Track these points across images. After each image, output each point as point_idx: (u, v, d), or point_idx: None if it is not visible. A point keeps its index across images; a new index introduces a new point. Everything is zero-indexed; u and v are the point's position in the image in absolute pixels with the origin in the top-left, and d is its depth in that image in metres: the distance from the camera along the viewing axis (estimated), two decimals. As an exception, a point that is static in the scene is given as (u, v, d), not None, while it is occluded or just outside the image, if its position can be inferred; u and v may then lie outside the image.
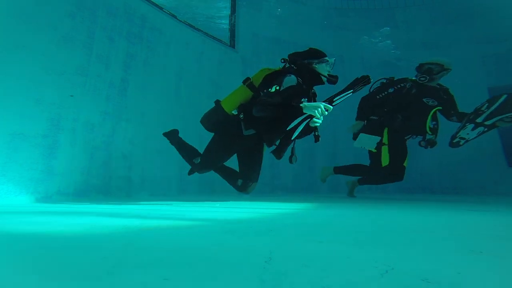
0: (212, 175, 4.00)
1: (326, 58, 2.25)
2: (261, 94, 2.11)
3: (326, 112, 1.88)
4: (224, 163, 2.55)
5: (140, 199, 2.68)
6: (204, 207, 1.89)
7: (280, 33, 5.46)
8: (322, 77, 2.22)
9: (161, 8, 3.65)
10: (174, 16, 3.80)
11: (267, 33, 5.30)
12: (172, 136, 2.74)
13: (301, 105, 1.91)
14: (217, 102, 2.35)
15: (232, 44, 4.76)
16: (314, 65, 2.22)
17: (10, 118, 2.20)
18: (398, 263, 0.57)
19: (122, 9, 3.14)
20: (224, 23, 5.00)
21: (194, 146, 2.68)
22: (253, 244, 0.75)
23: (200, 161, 2.45)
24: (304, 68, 2.22)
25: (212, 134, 2.48)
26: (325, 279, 0.47)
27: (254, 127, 2.22)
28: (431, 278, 0.48)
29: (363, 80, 2.04)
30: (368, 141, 3.19)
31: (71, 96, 2.61)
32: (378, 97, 3.27)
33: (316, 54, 2.25)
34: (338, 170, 3.57)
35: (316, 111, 1.87)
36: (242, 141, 2.30)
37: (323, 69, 2.23)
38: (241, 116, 2.19)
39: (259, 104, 2.02)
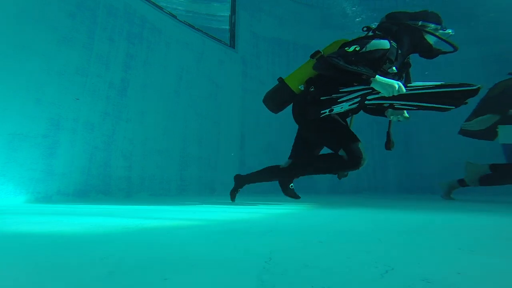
0: (212, 175, 4.02)
1: (445, 26, 1.92)
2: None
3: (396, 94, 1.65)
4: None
5: (140, 199, 2.68)
6: (205, 207, 1.90)
7: (280, 33, 5.46)
8: (436, 48, 1.90)
9: (161, 8, 3.65)
10: (174, 16, 3.81)
11: (267, 33, 5.30)
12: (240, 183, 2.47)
13: (372, 78, 1.68)
14: (281, 80, 2.16)
15: (232, 44, 4.76)
16: (426, 31, 1.90)
17: (10, 118, 2.20)
18: (398, 263, 0.57)
19: (122, 9, 3.15)
20: (224, 23, 5.00)
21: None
22: (253, 244, 0.75)
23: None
24: (411, 32, 1.90)
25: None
26: (325, 279, 0.47)
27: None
28: (431, 278, 0.48)
29: (469, 93, 1.67)
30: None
31: (77, 99, 2.62)
32: None
33: (436, 19, 1.92)
34: (495, 168, 3.05)
35: (387, 90, 1.64)
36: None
37: (432, 39, 1.93)
38: (311, 89, 1.98)
39: (323, 60, 1.78)
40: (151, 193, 3.18)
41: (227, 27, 4.95)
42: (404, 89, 1.69)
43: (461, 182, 3.13)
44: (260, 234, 0.90)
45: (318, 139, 2.18)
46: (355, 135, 1.96)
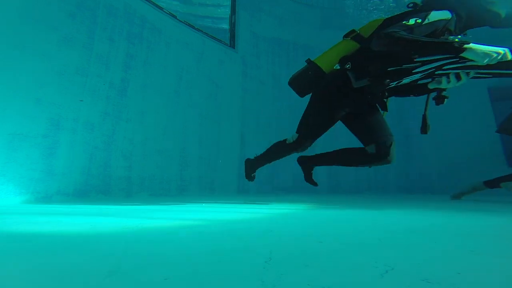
0: (212, 175, 4.02)
1: None
2: (383, 33, 1.72)
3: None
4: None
5: (140, 199, 2.68)
6: (204, 207, 1.89)
7: (280, 33, 5.46)
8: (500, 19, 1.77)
9: (161, 8, 3.65)
10: (174, 16, 3.81)
11: (267, 33, 5.30)
12: (251, 167, 2.46)
13: (466, 45, 1.54)
14: (310, 61, 2.06)
15: (232, 44, 4.76)
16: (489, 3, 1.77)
17: (10, 118, 2.20)
18: (398, 263, 0.57)
19: (122, 9, 3.15)
20: (224, 23, 5.00)
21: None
22: (253, 244, 0.75)
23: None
24: (472, 3, 1.77)
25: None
26: (325, 279, 0.47)
27: (366, 75, 1.83)
28: (431, 278, 0.48)
29: None
30: None
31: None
32: None
33: None
34: None
35: (483, 58, 1.50)
36: (348, 99, 1.95)
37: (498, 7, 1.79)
38: (348, 66, 1.87)
39: (386, 35, 1.66)
40: (151, 193, 3.18)
41: (227, 26, 4.95)
42: (510, 55, 1.53)
43: (490, 184, 3.10)
44: (260, 234, 0.90)
45: (308, 112, 2.13)
46: (320, 131, 2.03)
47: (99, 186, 2.75)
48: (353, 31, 2.01)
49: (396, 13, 1.91)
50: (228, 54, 4.57)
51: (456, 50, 1.59)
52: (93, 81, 2.78)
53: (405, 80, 1.84)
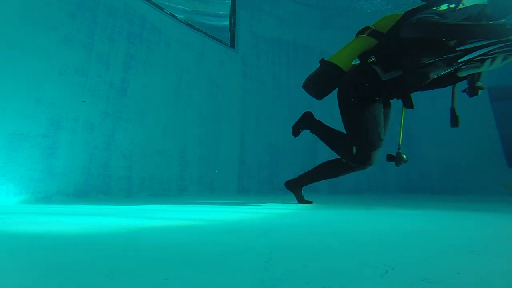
0: (212, 175, 4.02)
1: None
2: (410, 22, 1.62)
3: None
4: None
5: (140, 199, 2.68)
6: (205, 207, 1.89)
7: (280, 33, 5.46)
8: None
9: (161, 8, 3.65)
10: (174, 16, 3.81)
11: (267, 33, 5.30)
12: (308, 122, 2.29)
13: None
14: (324, 62, 1.97)
15: (232, 44, 4.76)
16: None
17: (10, 118, 2.20)
18: (398, 263, 0.57)
19: (122, 9, 3.15)
20: (224, 23, 5.00)
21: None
22: (253, 244, 0.75)
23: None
24: None
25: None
26: (325, 279, 0.47)
27: (397, 66, 1.71)
28: (431, 278, 0.48)
29: None
30: None
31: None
32: None
33: None
34: None
35: None
36: (381, 92, 1.82)
37: None
38: (371, 59, 1.78)
39: (420, 21, 1.56)
40: (151, 193, 3.18)
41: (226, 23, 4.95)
42: None
43: None
44: (260, 234, 0.90)
45: (344, 116, 1.97)
46: (379, 133, 1.81)
47: (99, 186, 2.75)
48: (367, 27, 1.94)
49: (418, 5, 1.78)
50: (228, 54, 4.57)
51: (500, 34, 1.47)
52: (93, 81, 2.78)
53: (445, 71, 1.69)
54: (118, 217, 1.29)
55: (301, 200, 2.36)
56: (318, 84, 2.02)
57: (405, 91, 1.90)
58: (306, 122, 2.31)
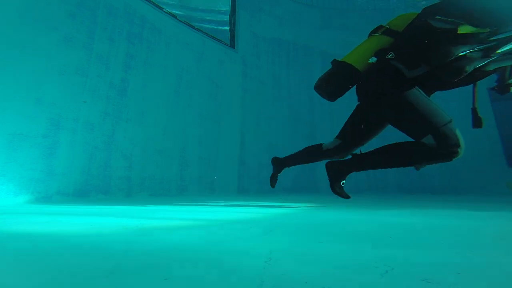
0: (212, 175, 4.02)
1: None
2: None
3: None
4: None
5: (140, 199, 2.68)
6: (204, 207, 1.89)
7: (280, 33, 5.46)
8: None
9: (161, 8, 3.65)
10: (174, 16, 3.81)
11: (267, 33, 5.30)
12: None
13: None
14: (337, 62, 1.87)
15: (232, 44, 4.76)
16: None
17: (10, 118, 2.20)
18: (398, 263, 0.57)
19: (122, 9, 3.15)
20: (224, 23, 5.00)
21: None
22: (253, 244, 0.75)
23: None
24: None
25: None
26: (325, 279, 0.47)
27: (424, 61, 1.59)
28: (431, 278, 0.48)
29: None
30: None
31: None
32: None
33: None
34: None
35: None
36: (412, 87, 1.67)
37: None
38: (390, 55, 1.68)
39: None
40: (151, 193, 3.18)
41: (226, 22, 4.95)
42: None
43: None
44: (260, 234, 0.90)
45: (398, 120, 1.78)
46: (446, 114, 1.61)
47: (99, 186, 2.75)
48: (381, 26, 1.84)
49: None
50: (228, 54, 4.57)
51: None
52: (93, 81, 2.78)
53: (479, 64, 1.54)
54: (118, 217, 1.29)
55: (274, 178, 2.42)
56: (331, 85, 1.90)
57: (435, 89, 1.75)
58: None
